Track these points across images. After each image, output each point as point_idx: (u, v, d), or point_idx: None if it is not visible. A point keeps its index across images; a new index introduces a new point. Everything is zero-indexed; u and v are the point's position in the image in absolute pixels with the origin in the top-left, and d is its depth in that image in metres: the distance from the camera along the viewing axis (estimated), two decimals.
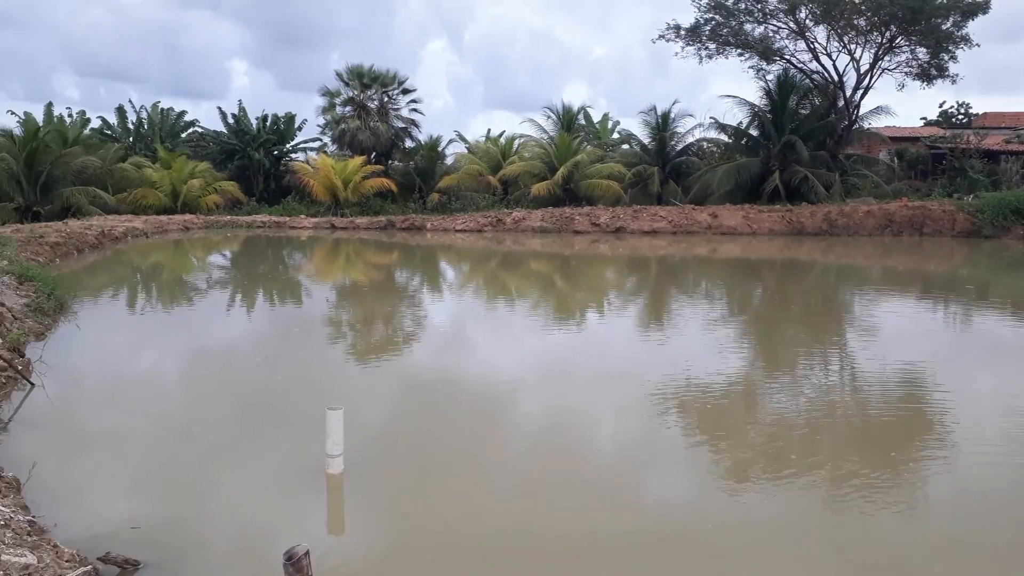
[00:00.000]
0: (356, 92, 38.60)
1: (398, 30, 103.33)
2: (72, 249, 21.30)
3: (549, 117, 39.77)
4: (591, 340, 12.43)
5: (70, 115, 40.42)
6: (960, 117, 48.54)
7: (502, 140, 40.86)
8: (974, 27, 32.63)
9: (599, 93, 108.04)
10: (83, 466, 6.32)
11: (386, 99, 39.32)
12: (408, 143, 40.23)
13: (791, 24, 34.55)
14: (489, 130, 44.02)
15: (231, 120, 40.78)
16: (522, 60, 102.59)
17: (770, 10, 34.79)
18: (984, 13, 31.77)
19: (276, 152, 40.79)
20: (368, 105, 38.78)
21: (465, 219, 32.32)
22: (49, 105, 38.48)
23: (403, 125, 39.86)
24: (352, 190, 35.40)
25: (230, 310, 15.06)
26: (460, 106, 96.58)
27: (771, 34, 35.33)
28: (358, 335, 12.65)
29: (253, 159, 38.98)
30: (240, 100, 44.90)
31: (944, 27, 32.19)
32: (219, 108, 41.83)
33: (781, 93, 34.26)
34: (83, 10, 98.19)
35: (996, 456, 6.77)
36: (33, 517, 4.77)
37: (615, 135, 44.95)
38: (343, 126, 37.94)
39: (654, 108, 37.07)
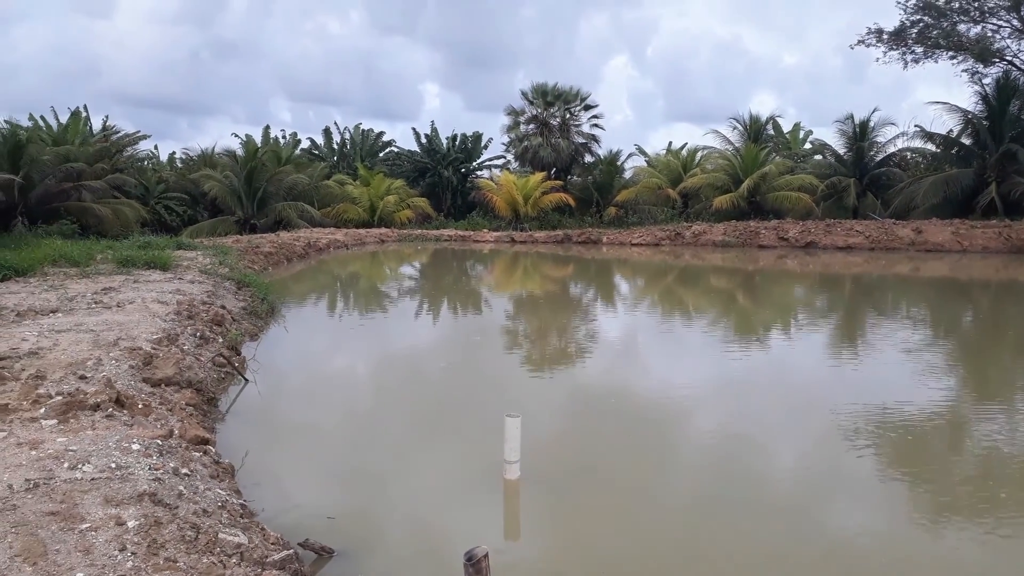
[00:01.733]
0: (539, 110, 39.59)
1: (580, 48, 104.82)
2: (282, 258, 23.52)
3: (735, 128, 38.59)
4: (774, 361, 11.85)
5: (283, 137, 44.81)
6: None
7: (683, 152, 40.13)
8: None
9: (788, 103, 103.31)
10: (286, 457, 6.96)
11: (568, 116, 40.00)
12: (588, 158, 40.65)
13: (1014, 22, 31.12)
14: (670, 143, 43.37)
15: (424, 140, 43.32)
16: (706, 71, 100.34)
17: (989, 8, 31.60)
18: None
19: (463, 170, 42.76)
20: (550, 122, 39.62)
21: (642, 232, 32.01)
22: (267, 128, 42.94)
23: (583, 140, 40.34)
24: (532, 205, 36.27)
25: (418, 317, 15.94)
26: (640, 120, 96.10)
27: (989, 34, 32.06)
28: (533, 345, 12.92)
29: (442, 176, 41.13)
30: (432, 121, 47.50)
31: None
32: (413, 128, 44.70)
33: (1000, 98, 30.90)
34: (296, 40, 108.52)
35: None
36: (244, 501, 5.30)
37: (807, 145, 42.68)
38: (526, 143, 39.04)
39: (851, 116, 34.88)
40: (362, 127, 46.40)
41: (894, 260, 26.06)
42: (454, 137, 43.07)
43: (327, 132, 45.71)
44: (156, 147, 51.47)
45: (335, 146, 45.77)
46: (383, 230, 35.41)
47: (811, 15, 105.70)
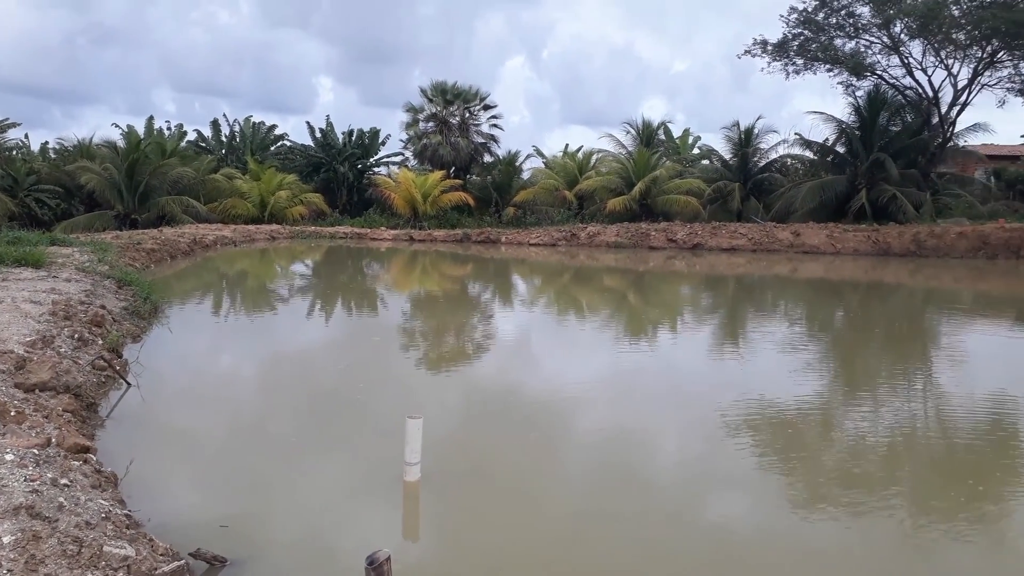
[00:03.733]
0: (439, 108, 39.46)
1: (478, 47, 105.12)
2: (166, 255, 22.46)
3: (628, 132, 39.74)
4: (663, 358, 12.34)
5: (168, 128, 42.73)
6: None
7: (579, 155, 40.99)
8: None
9: (677, 108, 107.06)
10: (173, 464, 6.69)
11: (467, 115, 40.06)
12: (487, 158, 40.85)
13: (884, 39, 33.57)
14: (567, 145, 44.17)
15: (318, 134, 42.31)
16: (600, 76, 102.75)
17: (863, 25, 33.90)
18: None
19: (360, 166, 42.05)
20: (450, 120, 39.57)
21: (539, 233, 32.50)
22: (150, 119, 40.88)
23: (483, 140, 40.52)
24: (431, 203, 36.13)
25: (311, 317, 15.61)
26: (537, 122, 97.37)
27: (862, 49, 34.43)
28: (433, 345, 12.92)
29: (338, 172, 40.31)
30: (328, 115, 46.33)
31: None
32: (307, 122, 43.69)
33: (871, 109, 33.22)
34: (182, 29, 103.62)
35: None
36: (130, 511, 5.08)
37: (695, 150, 44.47)
38: (425, 141, 38.83)
39: (737, 124, 36.61)
40: (253, 120, 44.90)
41: (774, 261, 27.58)
42: (351, 132, 42.31)
43: (215, 124, 43.96)
44: (27, 136, 47.92)
45: (224, 139, 44.05)
46: (274, 226, 34.38)
47: (700, 25, 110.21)
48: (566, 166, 39.11)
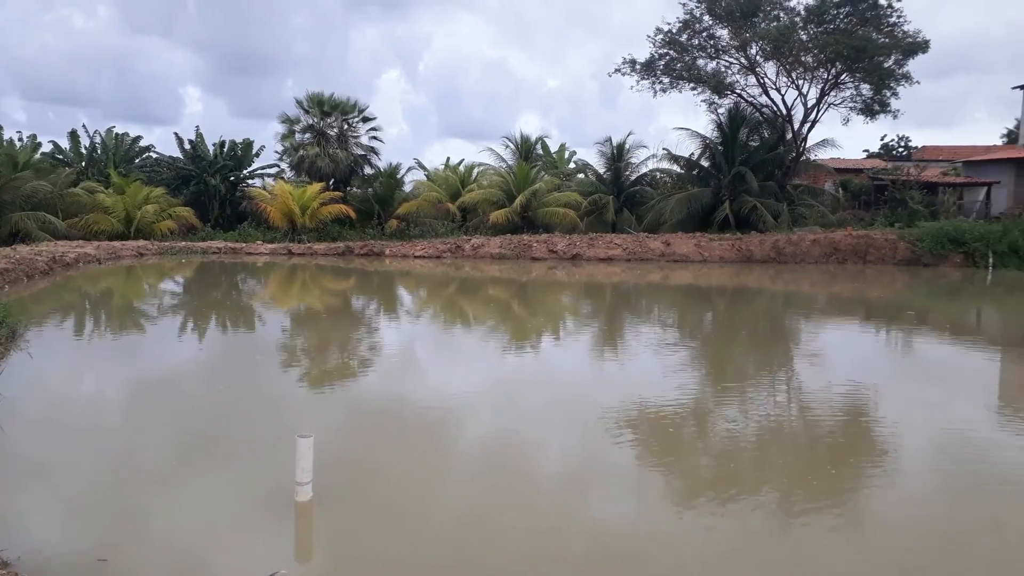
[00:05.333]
0: (316, 119, 38.67)
1: (353, 59, 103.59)
2: (21, 275, 20.87)
3: (507, 146, 40.39)
4: (547, 365, 12.69)
5: (20, 139, 39.62)
6: (900, 150, 50.62)
7: (461, 168, 41.28)
8: (914, 65, 34.20)
9: (551, 124, 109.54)
10: (42, 498, 6.31)
11: (346, 126, 39.47)
12: (368, 170, 40.35)
13: (742, 60, 35.76)
14: (448, 158, 44.36)
15: (187, 146, 40.42)
16: (476, 90, 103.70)
17: (722, 47, 35.99)
18: (924, 52, 33.34)
19: (233, 178, 40.49)
20: (328, 132, 38.85)
21: (424, 245, 32.49)
22: None
23: (362, 152, 40.01)
24: (310, 216, 35.33)
25: (185, 337, 14.96)
26: (416, 134, 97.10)
27: (723, 69, 36.51)
28: (316, 362, 12.70)
29: (209, 185, 38.65)
30: (197, 126, 44.20)
31: (886, 65, 33.65)
32: (175, 134, 41.16)
33: (732, 126, 35.33)
34: (32, 34, 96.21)
35: (933, 473, 7.18)
36: None
37: (571, 165, 45.73)
38: (302, 153, 37.93)
39: (609, 139, 37.94)
40: (115, 131, 42.33)
41: (647, 270, 28.83)
42: (222, 144, 40.68)
43: (74, 135, 41.09)
44: None
45: (83, 151, 41.26)
46: (141, 242, 32.53)
47: (570, 43, 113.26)
48: (448, 179, 39.29)
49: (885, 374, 12.20)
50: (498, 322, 17.83)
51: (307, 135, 38.84)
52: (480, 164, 40.61)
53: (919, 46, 33.07)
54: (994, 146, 46.09)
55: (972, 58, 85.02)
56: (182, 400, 9.82)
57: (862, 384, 11.26)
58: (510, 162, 39.06)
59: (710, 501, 6.52)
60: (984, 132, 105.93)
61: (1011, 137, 44.27)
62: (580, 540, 5.79)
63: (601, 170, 38.88)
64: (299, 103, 38.66)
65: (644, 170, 39.11)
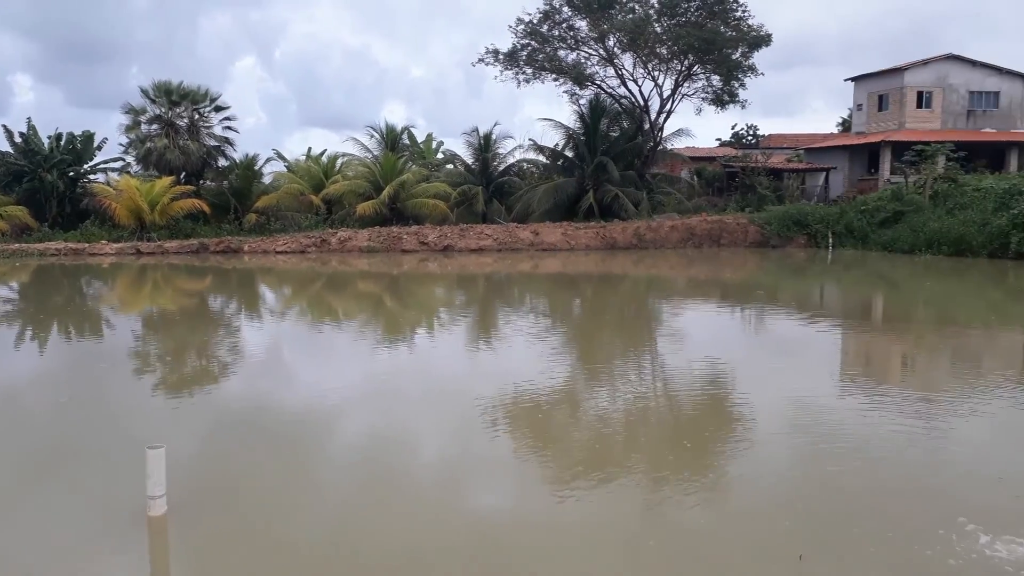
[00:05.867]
0: (164, 109, 36.30)
1: (203, 45, 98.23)
2: None
3: (372, 136, 39.56)
4: (421, 359, 12.52)
5: None
6: (749, 138, 53.85)
7: (324, 159, 40.06)
8: (759, 57, 36.43)
9: (417, 113, 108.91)
10: None
11: (197, 116, 37.29)
12: (222, 162, 38.34)
13: (601, 51, 36.79)
14: (310, 148, 42.94)
15: (18, 139, 36.81)
16: (338, 78, 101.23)
17: (581, 38, 36.87)
18: (767, 45, 35.56)
19: (72, 174, 37.30)
20: (177, 123, 36.57)
21: (287, 240, 31.31)
22: None
23: (216, 143, 37.95)
24: (160, 212, 33.17)
25: (21, 348, 13.63)
26: (274, 124, 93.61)
27: (583, 60, 37.42)
28: (171, 368, 11.90)
29: (45, 181, 35.42)
30: (29, 118, 40.24)
31: (734, 57, 35.63)
32: (3, 126, 37.26)
33: (593, 116, 36.28)
34: None
35: (785, 441, 7.63)
36: None
37: (440, 155, 45.50)
38: (149, 145, 35.52)
39: (476, 129, 38.01)
40: None
41: (518, 259, 29.16)
42: (58, 136, 37.34)
43: None
44: None
45: None
46: None
47: (433, 31, 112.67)
48: (311, 170, 38.01)
49: (739, 350, 12.91)
50: (369, 317, 17.44)
51: (154, 126, 36.41)
52: (344, 154, 39.60)
53: (763, 39, 35.22)
54: (831, 134, 49.97)
55: (810, 51, 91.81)
56: (20, 415, 8.90)
57: (718, 360, 11.85)
58: (376, 152, 38.32)
59: (584, 481, 6.61)
60: (822, 121, 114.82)
61: (845, 126, 48.13)
62: (461, 531, 5.70)
63: (469, 160, 38.92)
64: (144, 92, 36.15)
65: (511, 160, 39.56)
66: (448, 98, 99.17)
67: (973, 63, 37.59)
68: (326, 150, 41.18)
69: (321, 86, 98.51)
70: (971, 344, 13.55)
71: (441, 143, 47.37)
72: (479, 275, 25.60)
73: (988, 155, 35.67)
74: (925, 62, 37.66)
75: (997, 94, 37.75)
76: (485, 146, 37.93)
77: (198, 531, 5.63)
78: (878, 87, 39.32)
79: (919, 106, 37.45)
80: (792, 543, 5.36)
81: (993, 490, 6.30)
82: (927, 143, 31.39)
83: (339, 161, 39.41)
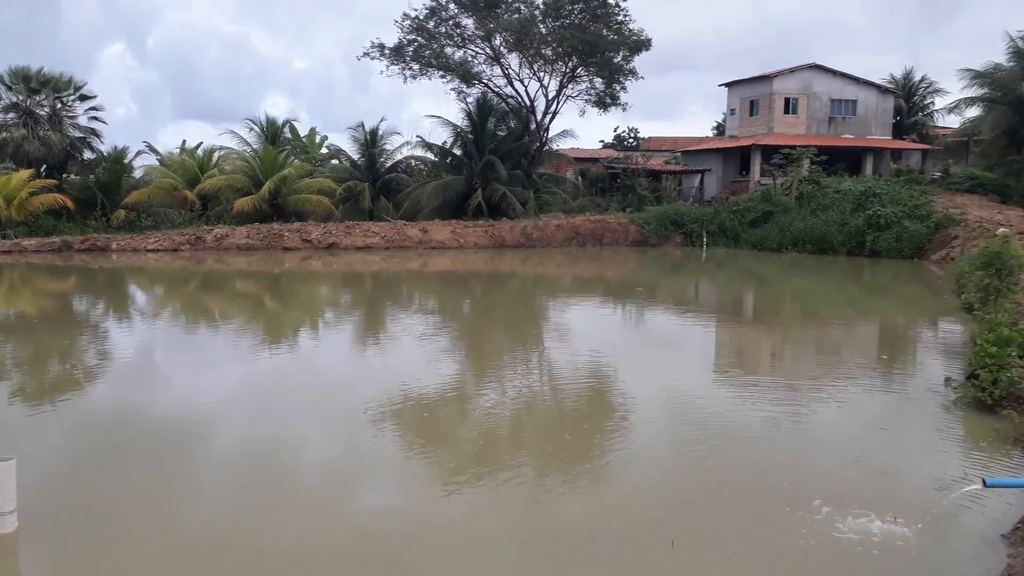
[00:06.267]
0: (22, 97, 33.63)
1: (67, 31, 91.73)
2: None
3: (252, 129, 38.09)
4: (304, 360, 12.21)
5: None
6: (631, 140, 55.48)
7: (199, 152, 38.25)
8: (639, 61, 37.60)
9: (301, 107, 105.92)
10: None
11: (60, 105, 34.76)
12: (88, 154, 35.93)
13: (487, 50, 36.95)
14: (184, 141, 40.80)
15: None
16: (215, 69, 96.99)
17: (468, 36, 36.91)
18: (647, 50, 36.75)
19: None
20: (37, 112, 33.98)
21: (158, 238, 29.72)
22: None
23: (81, 135, 35.52)
24: (17, 208, 30.69)
25: None
26: (146, 115, 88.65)
27: (470, 58, 37.46)
28: (28, 376, 11.06)
29: None
30: None
31: (615, 60, 36.63)
32: None
33: (480, 115, 36.42)
34: None
35: (659, 429, 7.95)
36: None
37: (324, 150, 44.41)
38: (5, 135, 32.87)
39: (362, 124, 37.36)
40: None
41: (407, 257, 28.90)
42: None
43: None
44: None
45: None
46: None
47: (317, 23, 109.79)
48: (185, 164, 36.19)
49: (620, 344, 13.34)
50: (249, 319, 16.82)
51: (11, 115, 33.70)
52: (222, 148, 37.95)
53: (643, 44, 36.39)
54: (706, 137, 52.28)
55: (687, 57, 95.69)
56: None
57: (600, 354, 12.20)
58: (255, 146, 36.96)
59: (469, 477, 6.65)
60: (699, 124, 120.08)
61: (720, 129, 50.46)
62: (346, 534, 5.63)
63: (355, 156, 38.22)
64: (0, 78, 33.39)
65: (399, 157, 39.14)
66: (333, 92, 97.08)
67: (834, 72, 40.29)
68: (202, 143, 39.32)
69: (197, 77, 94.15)
70: (831, 336, 14.57)
71: (325, 138, 46.27)
72: (366, 273, 25.20)
73: (847, 159, 38.36)
74: (792, 70, 40.06)
75: (855, 102, 40.63)
76: (372, 142, 37.35)
77: (53, 550, 5.27)
78: (749, 93, 41.51)
79: (786, 112, 39.79)
80: (665, 529, 5.61)
81: (848, 471, 6.82)
82: (793, 147, 33.42)
83: (216, 155, 37.75)
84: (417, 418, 8.63)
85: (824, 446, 7.62)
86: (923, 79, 44.80)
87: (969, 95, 34.61)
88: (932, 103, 44.45)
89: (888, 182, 32.04)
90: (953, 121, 40.96)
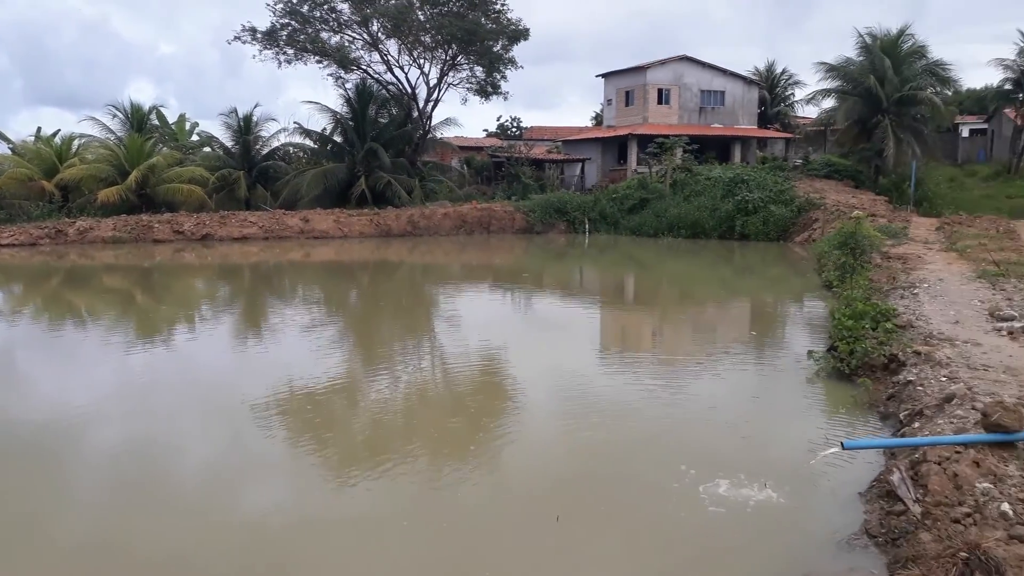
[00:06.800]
0: None
1: None
2: None
3: (115, 116, 35.73)
4: (182, 357, 11.68)
5: None
6: (514, 130, 56.02)
7: (57, 140, 35.61)
8: (518, 51, 37.97)
9: (168, 93, 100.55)
10: None
11: None
12: None
13: (365, 36, 36.24)
14: (39, 129, 37.79)
15: None
16: (72, 53, 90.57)
17: (344, 20, 36.04)
18: (525, 39, 37.11)
19: None
20: None
21: (14, 232, 27.48)
22: None
23: None
24: None
25: None
26: None
27: (347, 44, 36.60)
28: None
29: None
30: None
31: (495, 49, 36.80)
32: None
33: (360, 102, 35.73)
34: None
35: (544, 410, 8.19)
36: None
37: (195, 137, 42.29)
38: None
39: (235, 110, 35.81)
40: None
41: (287, 248, 28.05)
42: None
43: None
44: None
45: None
46: None
47: (184, 5, 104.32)
48: (41, 153, 33.57)
49: (507, 329, 13.57)
50: (119, 315, 15.88)
51: None
52: (83, 136, 35.45)
53: (521, 33, 36.73)
54: (585, 127, 53.58)
55: (565, 48, 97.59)
56: None
57: (490, 340, 12.37)
58: (120, 134, 34.74)
59: (359, 470, 6.62)
60: (578, 114, 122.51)
61: (598, 119, 51.77)
62: (236, 537, 5.48)
63: (229, 144, 36.60)
64: None
65: (276, 144, 37.83)
66: (203, 77, 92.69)
67: (703, 64, 42.12)
68: (60, 131, 36.58)
69: (52, 60, 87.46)
70: (706, 315, 15.37)
71: (196, 124, 44.03)
72: (244, 265, 24.29)
73: (717, 148, 40.30)
74: (663, 62, 41.57)
75: (723, 93, 42.68)
76: (246, 128, 35.90)
77: None
78: (625, 84, 42.78)
79: (660, 102, 41.30)
80: (550, 506, 5.80)
81: (722, 440, 7.27)
82: (667, 136, 34.78)
83: (76, 143, 35.25)
84: (305, 412, 8.48)
85: (700, 417, 8.07)
86: (784, 71, 47.74)
87: (824, 87, 37.04)
88: (793, 94, 47.42)
89: (755, 169, 33.89)
90: (812, 111, 43.84)
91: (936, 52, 48.79)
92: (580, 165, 43.39)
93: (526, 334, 13.43)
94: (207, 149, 39.22)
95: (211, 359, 11.48)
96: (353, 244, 29.46)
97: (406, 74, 37.49)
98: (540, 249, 28.94)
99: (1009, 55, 40.71)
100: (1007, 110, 44.23)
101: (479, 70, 37.73)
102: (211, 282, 21.24)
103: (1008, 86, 42.61)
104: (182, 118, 43.38)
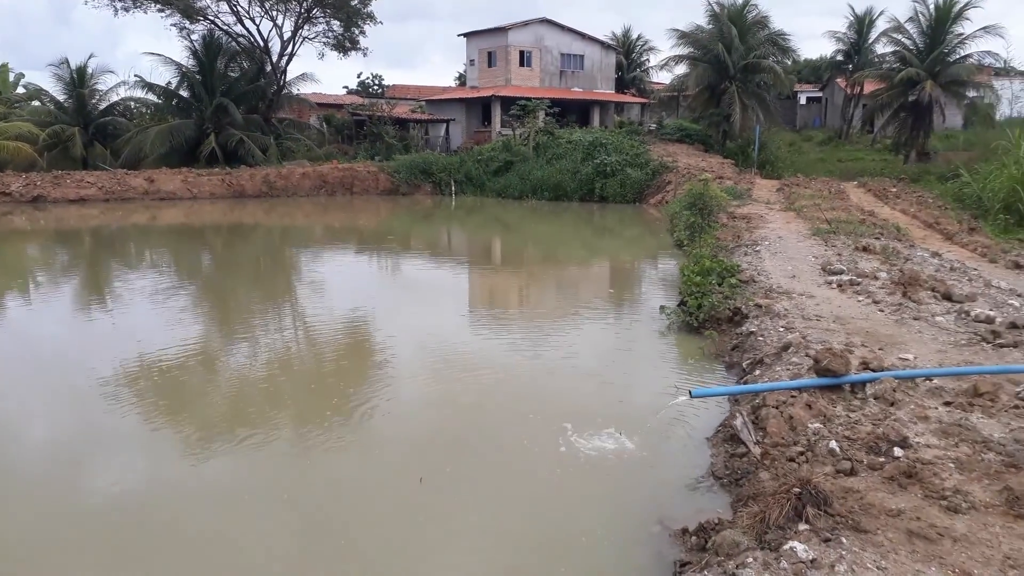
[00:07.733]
0: None
1: None
2: None
3: None
4: (15, 330, 10.75)
5: None
6: (375, 88, 54.52)
7: None
8: (376, 6, 36.85)
9: None
10: None
11: None
12: None
13: None
14: None
15: None
16: None
17: None
18: None
19: None
20: None
21: None
22: None
23: None
24: None
25: None
26: None
27: None
28: None
29: None
30: None
31: (352, 3, 35.52)
32: None
33: (208, 54, 33.62)
34: None
35: (411, 372, 8.24)
36: None
37: (21, 89, 38.31)
38: None
39: (66, 61, 32.77)
40: None
41: (131, 210, 26.17)
42: None
43: None
44: None
45: None
46: None
47: None
48: None
49: (375, 293, 13.43)
50: None
51: None
52: None
53: None
54: (449, 87, 53.03)
55: (427, 4, 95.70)
56: None
57: (356, 304, 12.21)
58: None
59: (220, 443, 6.43)
60: (441, 74, 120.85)
61: (462, 80, 51.35)
62: (91, 517, 5.19)
63: (60, 97, 33.49)
64: None
65: (116, 98, 34.97)
66: (27, 25, 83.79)
67: (563, 28, 42.66)
68: None
69: None
70: (569, 275, 15.85)
71: (22, 75, 39.86)
72: (84, 229, 22.47)
73: (577, 111, 41.14)
74: (525, 23, 41.73)
75: (582, 57, 43.49)
76: (80, 81, 32.93)
77: None
78: (487, 44, 42.65)
79: (521, 64, 41.54)
80: (414, 467, 5.89)
81: (581, 392, 7.61)
82: (529, 99, 35.10)
83: None
84: (159, 384, 8.07)
85: (562, 371, 8.40)
86: (639, 37, 49.23)
87: (677, 53, 38.54)
88: (648, 60, 49.05)
89: (612, 133, 34.93)
90: (665, 77, 45.65)
91: (777, 23, 51.91)
92: (445, 126, 43.05)
93: (392, 297, 13.35)
94: (36, 103, 35.69)
95: (51, 332, 10.64)
96: (204, 205, 27.93)
97: (258, 26, 35.66)
98: (406, 211, 28.63)
99: (840, 28, 44.05)
100: (839, 80, 47.91)
101: (336, 24, 36.40)
102: (46, 248, 19.51)
103: (840, 57, 46.15)
104: (5, 68, 39.15)
